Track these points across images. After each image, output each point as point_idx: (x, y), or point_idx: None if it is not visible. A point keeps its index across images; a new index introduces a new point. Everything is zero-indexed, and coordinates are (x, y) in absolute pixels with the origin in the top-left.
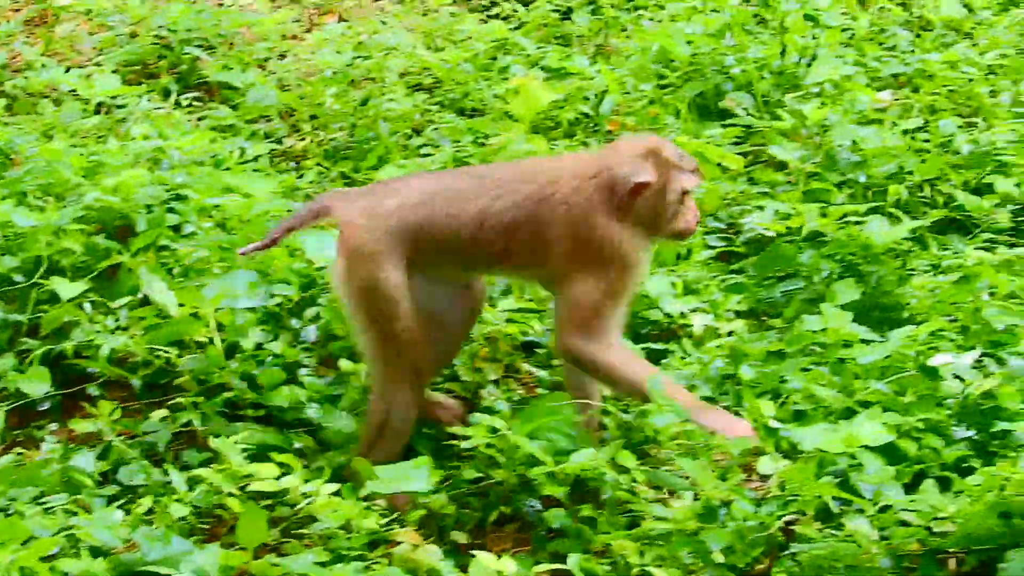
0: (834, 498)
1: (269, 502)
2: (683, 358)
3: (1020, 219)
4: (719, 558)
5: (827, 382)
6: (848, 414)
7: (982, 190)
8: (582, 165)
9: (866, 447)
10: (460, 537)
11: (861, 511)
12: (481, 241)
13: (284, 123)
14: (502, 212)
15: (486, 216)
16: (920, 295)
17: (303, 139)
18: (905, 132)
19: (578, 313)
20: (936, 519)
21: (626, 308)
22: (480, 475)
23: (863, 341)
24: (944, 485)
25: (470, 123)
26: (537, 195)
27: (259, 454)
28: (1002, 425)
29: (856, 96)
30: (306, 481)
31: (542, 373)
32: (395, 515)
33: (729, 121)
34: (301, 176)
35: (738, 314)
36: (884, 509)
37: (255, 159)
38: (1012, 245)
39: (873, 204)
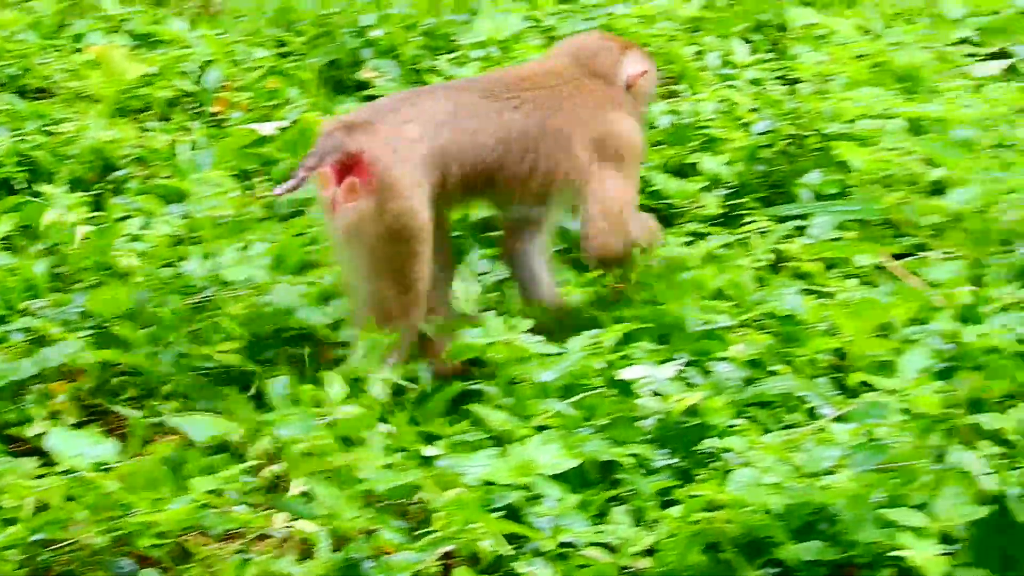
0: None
1: None
2: None
3: (731, 203)
4: None
5: (497, 405)
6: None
7: (686, 171)
8: (561, 65)
9: (545, 476)
10: None
11: (538, 552)
12: (508, 162)
13: None
14: (527, 124)
15: (511, 131)
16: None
17: None
18: None
19: (614, 216)
20: (630, 556)
21: None
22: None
23: (539, 355)
24: (639, 515)
25: (34, 106)
26: (550, 99)
27: None
28: (708, 443)
29: (527, 57)
30: None
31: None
32: None
33: (370, 93)
34: None
35: None
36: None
37: None
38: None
39: None
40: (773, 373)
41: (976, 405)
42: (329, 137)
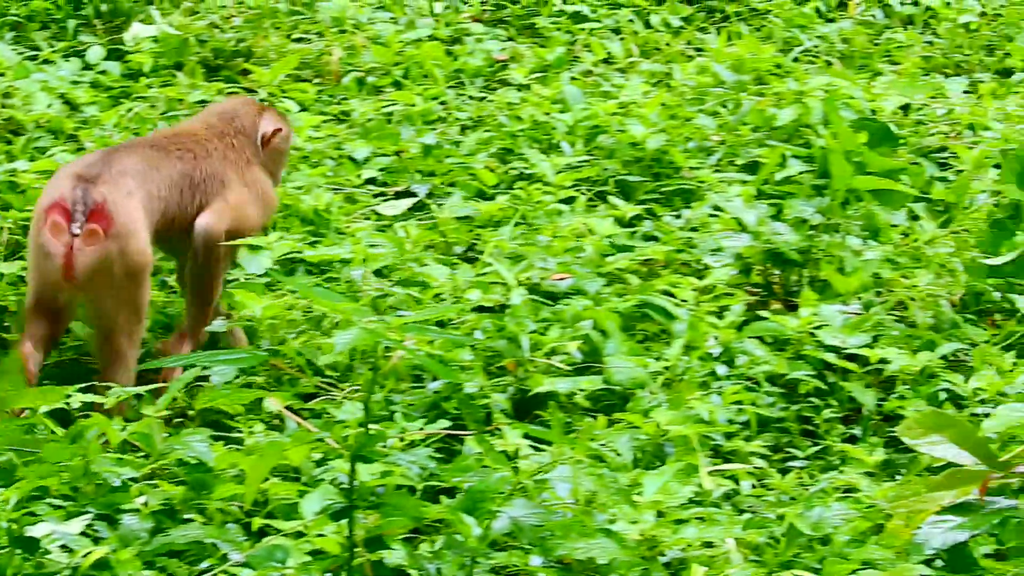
0: None
1: None
2: None
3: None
4: None
5: None
6: None
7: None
8: (210, 123)
9: None
10: None
11: None
12: (181, 206)
13: None
14: (192, 172)
15: (182, 179)
16: None
17: None
18: None
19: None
20: None
21: None
22: None
23: None
24: None
25: None
26: (207, 151)
27: None
28: None
29: None
30: None
31: None
32: None
33: None
34: None
35: None
36: None
37: None
38: None
39: None
40: (188, 521)
41: (377, 542)
42: (75, 188)
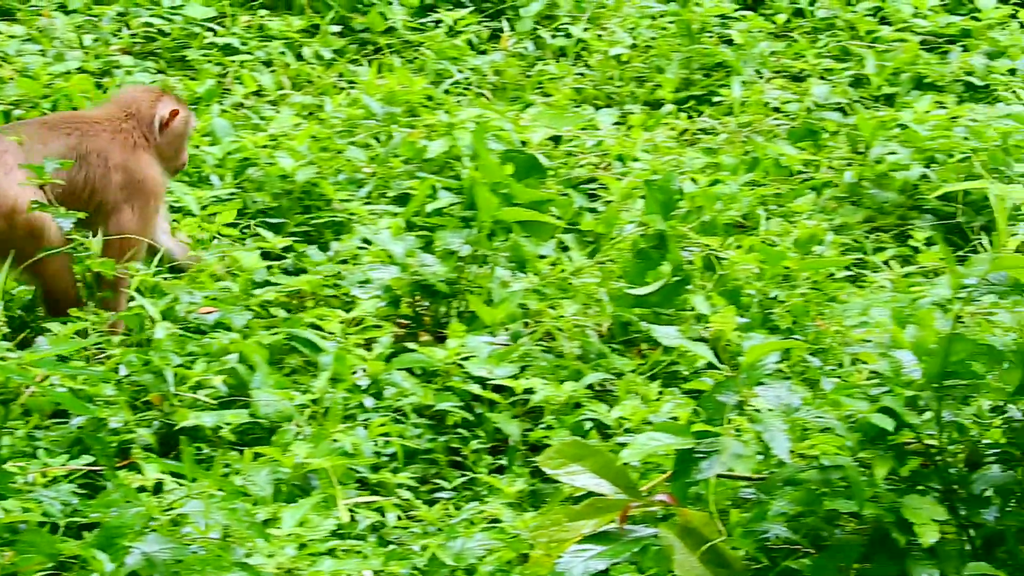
0: None
1: None
2: None
3: None
4: None
5: None
6: None
7: None
8: (108, 109)
9: None
10: None
11: None
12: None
13: None
14: (76, 148)
15: (64, 153)
16: None
17: None
18: None
19: (125, 244)
20: None
21: None
22: None
23: None
24: None
25: None
26: (96, 133)
27: None
28: None
29: None
30: None
31: None
32: None
33: None
34: None
35: None
36: None
37: None
38: None
39: None
40: None
41: None
42: None
